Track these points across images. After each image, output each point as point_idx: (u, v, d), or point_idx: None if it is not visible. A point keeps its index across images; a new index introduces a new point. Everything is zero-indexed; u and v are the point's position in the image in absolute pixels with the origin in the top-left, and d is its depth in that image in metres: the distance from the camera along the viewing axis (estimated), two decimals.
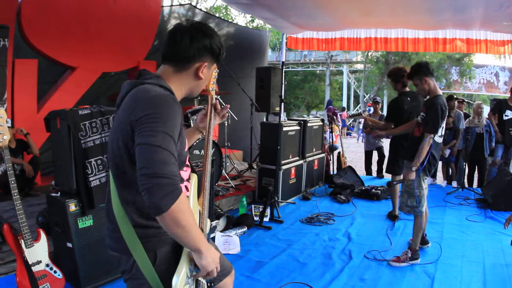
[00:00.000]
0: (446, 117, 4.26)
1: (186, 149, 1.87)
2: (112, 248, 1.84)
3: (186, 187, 1.85)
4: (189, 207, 1.61)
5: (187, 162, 1.92)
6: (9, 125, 6.10)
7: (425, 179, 4.37)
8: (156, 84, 1.72)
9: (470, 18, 7.64)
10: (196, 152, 5.93)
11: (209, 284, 1.98)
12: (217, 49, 1.85)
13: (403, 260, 4.39)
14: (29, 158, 6.47)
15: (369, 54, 31.36)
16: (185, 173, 1.87)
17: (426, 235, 4.92)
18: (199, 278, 1.85)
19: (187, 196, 1.84)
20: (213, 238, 4.81)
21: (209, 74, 1.92)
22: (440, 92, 4.32)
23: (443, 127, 4.28)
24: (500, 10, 6.70)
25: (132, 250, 1.72)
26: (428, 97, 4.37)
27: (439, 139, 4.31)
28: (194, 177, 1.96)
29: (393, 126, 5.62)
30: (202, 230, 1.92)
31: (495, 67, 28.74)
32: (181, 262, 1.74)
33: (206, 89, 2.12)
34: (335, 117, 9.20)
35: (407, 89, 5.79)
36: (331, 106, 12.16)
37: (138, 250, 1.72)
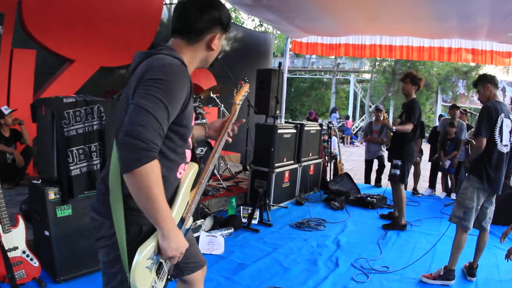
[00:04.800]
0: (496, 121, 4.05)
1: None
2: (96, 210, 1.84)
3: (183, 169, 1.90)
4: (159, 178, 1.58)
5: (190, 143, 1.96)
6: (9, 111, 6.09)
7: (481, 194, 4.12)
8: (170, 55, 1.74)
9: (476, 27, 7.53)
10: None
11: (169, 277, 1.91)
12: (226, 20, 1.89)
13: (434, 278, 4.18)
14: (22, 148, 6.45)
15: (377, 64, 31.33)
16: (188, 153, 1.93)
17: (478, 266, 4.42)
18: (163, 262, 1.80)
19: (181, 183, 1.89)
20: (198, 237, 4.73)
21: (220, 44, 1.95)
22: (499, 99, 4.21)
23: (502, 133, 4.09)
24: (506, 20, 6.59)
25: (114, 216, 1.71)
26: None
27: (502, 148, 4.12)
28: (195, 166, 1.99)
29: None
30: (183, 220, 1.90)
31: (502, 82, 28.49)
32: (153, 236, 1.71)
33: (234, 101, 2.30)
34: None
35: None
36: (312, 111, 12.14)
37: (119, 218, 1.69)
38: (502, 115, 4.05)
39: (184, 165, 1.89)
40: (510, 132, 4.18)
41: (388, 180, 6.05)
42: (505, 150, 4.14)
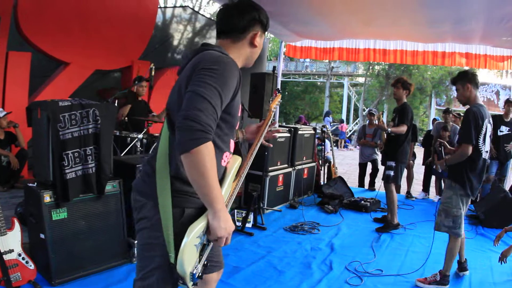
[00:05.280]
0: (482, 128, 3.97)
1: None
2: (139, 191, 1.95)
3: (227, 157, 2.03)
4: (213, 158, 1.70)
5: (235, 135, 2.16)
6: (3, 114, 6.10)
7: (465, 200, 4.09)
8: (219, 51, 1.90)
9: (470, 31, 7.56)
10: None
11: (206, 263, 1.93)
12: (265, 20, 2.06)
13: (429, 282, 4.19)
14: (17, 151, 6.45)
15: (370, 68, 31.34)
16: (232, 143, 2.06)
17: (466, 260, 4.56)
18: (206, 245, 1.87)
19: (227, 172, 2.05)
20: None
21: (262, 42, 2.11)
22: (480, 102, 4.11)
23: (485, 140, 4.03)
24: (501, 24, 6.63)
25: (160, 197, 1.82)
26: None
27: (486, 155, 4.07)
28: (239, 159, 2.16)
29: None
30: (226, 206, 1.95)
31: (496, 85, 28.62)
32: (203, 216, 1.81)
33: (269, 108, 2.62)
34: None
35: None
36: (302, 116, 12.23)
37: (165, 199, 1.80)
38: (486, 120, 4.00)
39: (228, 154, 2.02)
40: (489, 136, 4.14)
41: (382, 180, 6.10)
42: (487, 156, 4.13)
